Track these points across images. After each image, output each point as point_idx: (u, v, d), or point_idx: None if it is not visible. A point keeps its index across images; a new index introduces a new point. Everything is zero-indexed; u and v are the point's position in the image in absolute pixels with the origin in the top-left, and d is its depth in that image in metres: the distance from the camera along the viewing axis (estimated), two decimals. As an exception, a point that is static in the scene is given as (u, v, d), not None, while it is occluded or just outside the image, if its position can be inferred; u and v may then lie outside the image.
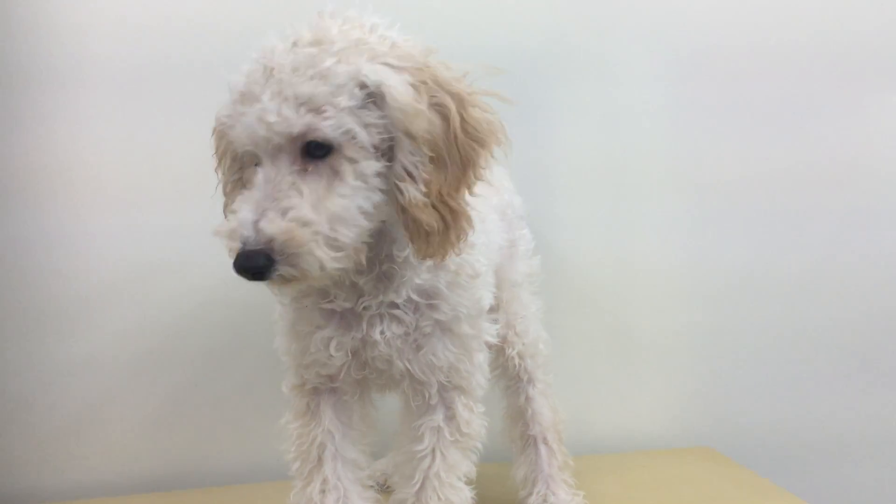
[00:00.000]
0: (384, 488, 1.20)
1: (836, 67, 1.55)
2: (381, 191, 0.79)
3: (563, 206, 1.49)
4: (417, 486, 0.92)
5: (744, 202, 1.55)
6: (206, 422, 1.41)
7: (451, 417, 0.94)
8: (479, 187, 0.85)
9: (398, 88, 0.77)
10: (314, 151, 0.77)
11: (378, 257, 0.86)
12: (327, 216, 0.76)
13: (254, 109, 0.76)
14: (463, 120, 0.80)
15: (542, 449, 1.19)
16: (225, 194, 0.89)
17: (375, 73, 0.77)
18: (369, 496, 0.95)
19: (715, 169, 1.54)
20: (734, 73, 1.52)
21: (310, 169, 0.77)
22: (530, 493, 1.18)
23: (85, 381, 1.37)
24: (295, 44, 0.78)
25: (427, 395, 0.92)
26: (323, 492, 0.91)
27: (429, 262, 0.86)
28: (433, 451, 0.93)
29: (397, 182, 0.78)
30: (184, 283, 1.37)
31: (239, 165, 0.85)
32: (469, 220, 0.82)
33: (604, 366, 1.54)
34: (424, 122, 0.77)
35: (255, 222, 0.74)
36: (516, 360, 1.17)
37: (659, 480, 1.37)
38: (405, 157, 0.78)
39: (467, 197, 0.83)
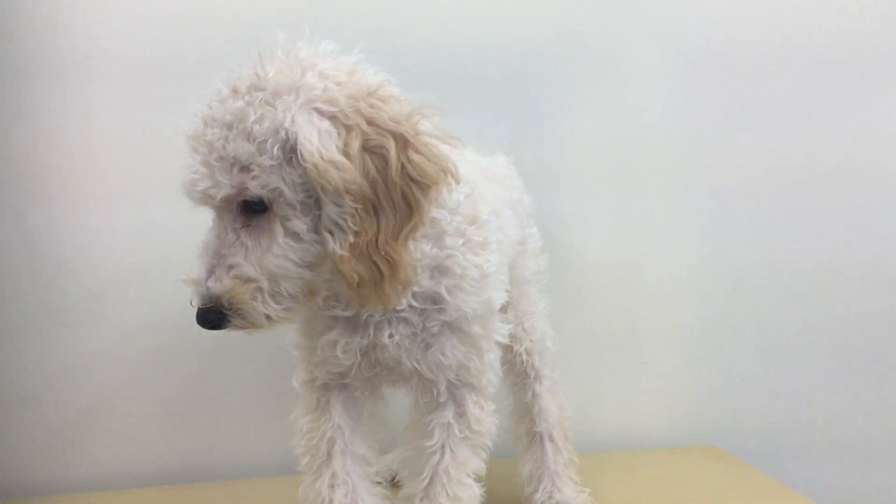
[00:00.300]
0: (392, 484, 1.20)
1: (845, 65, 1.55)
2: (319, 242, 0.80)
3: (572, 204, 1.49)
4: (426, 481, 0.93)
5: (752, 200, 1.55)
6: (213, 416, 1.41)
7: (461, 414, 0.94)
8: (491, 183, 0.85)
9: (310, 142, 0.75)
10: (253, 206, 0.79)
11: None
12: (266, 273, 0.79)
13: (189, 173, 0.79)
14: (405, 163, 0.77)
15: (549, 446, 1.19)
16: None
17: (293, 126, 0.76)
18: (378, 492, 0.96)
19: (723, 167, 1.53)
20: (743, 71, 1.52)
21: (251, 224, 0.80)
22: (536, 490, 1.19)
23: (95, 375, 1.37)
24: (235, 91, 0.79)
25: (435, 393, 0.93)
26: (332, 486, 0.92)
27: (431, 265, 0.87)
28: (442, 447, 0.93)
29: (324, 233, 0.79)
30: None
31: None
32: (413, 270, 0.81)
33: (610, 364, 1.54)
34: (338, 175, 0.75)
35: (205, 280, 0.80)
36: (524, 357, 1.18)
37: (664, 479, 1.37)
38: (329, 209, 0.77)
39: (483, 193, 0.85)
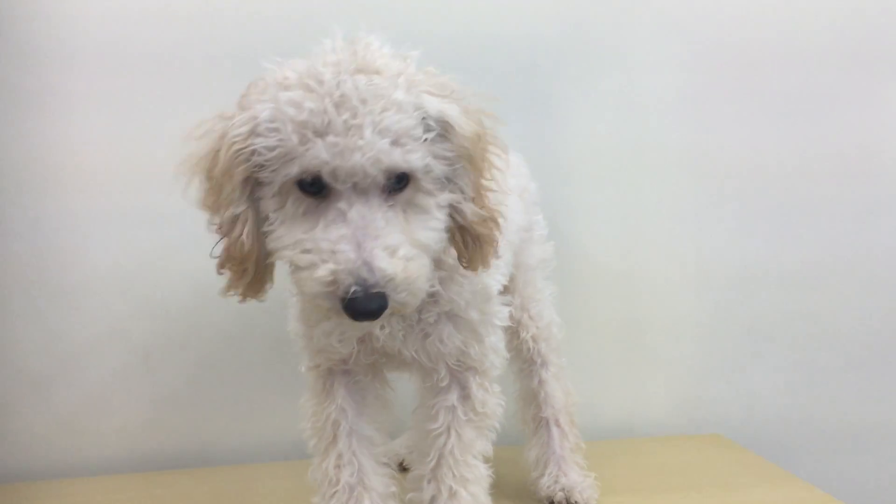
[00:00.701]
0: (401, 469, 1.21)
1: (851, 58, 1.55)
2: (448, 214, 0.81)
3: (578, 194, 1.50)
4: (433, 463, 0.94)
5: (758, 192, 1.55)
6: (219, 401, 1.43)
7: (465, 397, 0.94)
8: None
9: (460, 118, 0.78)
10: (394, 184, 0.76)
11: None
12: (423, 248, 0.77)
13: (360, 148, 0.72)
14: (486, 140, 0.82)
15: (555, 431, 1.20)
16: (218, 219, 0.82)
17: (434, 105, 0.77)
18: (384, 471, 0.96)
19: (729, 159, 1.54)
20: (750, 63, 1.53)
21: (390, 203, 0.76)
22: (542, 475, 1.19)
23: (103, 359, 1.39)
24: (359, 70, 0.75)
25: (437, 378, 0.93)
26: (338, 466, 0.93)
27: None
28: (448, 429, 0.94)
29: (456, 205, 0.80)
30: (196, 265, 1.35)
31: (248, 193, 0.79)
32: (499, 224, 0.85)
33: (615, 353, 1.55)
34: (484, 146, 0.80)
35: (369, 262, 0.72)
36: (530, 344, 1.18)
37: (669, 466, 1.38)
38: (465, 180, 0.80)
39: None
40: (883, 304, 1.61)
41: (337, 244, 0.73)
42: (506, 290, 1.05)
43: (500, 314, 0.97)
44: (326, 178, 0.74)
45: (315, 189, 0.76)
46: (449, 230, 0.82)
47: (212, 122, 0.80)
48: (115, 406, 1.40)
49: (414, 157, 0.75)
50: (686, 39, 1.50)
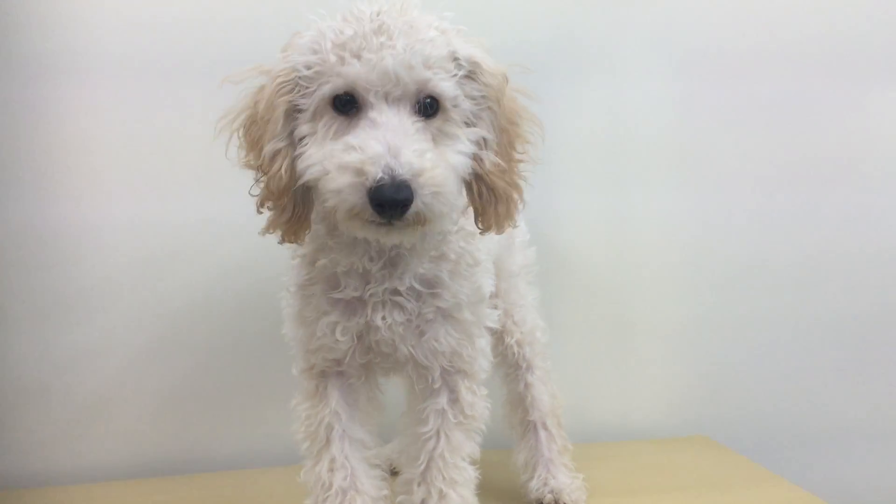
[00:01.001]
0: (391, 472, 1.23)
1: (835, 64, 1.59)
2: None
3: (566, 198, 1.53)
4: (423, 466, 0.96)
5: (743, 196, 1.58)
6: (215, 407, 1.44)
7: (454, 400, 0.97)
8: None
9: (487, 60, 0.84)
10: (425, 109, 0.81)
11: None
12: (451, 167, 0.80)
13: (392, 53, 0.77)
14: (510, 103, 0.87)
15: (542, 434, 1.22)
16: (256, 148, 0.85)
17: (466, 49, 0.83)
18: (376, 474, 0.98)
19: (714, 163, 1.57)
20: (737, 69, 1.56)
21: (421, 125, 0.80)
22: (531, 478, 1.21)
23: (101, 366, 1.40)
24: (398, 14, 0.81)
25: (430, 379, 0.96)
26: (331, 470, 0.94)
27: (433, 252, 0.91)
28: (437, 432, 0.96)
29: (477, 152, 0.84)
30: (193, 272, 1.41)
31: (289, 130, 0.83)
32: (522, 192, 0.89)
33: (602, 356, 1.57)
34: (509, 94, 0.85)
35: (396, 154, 0.74)
36: (515, 349, 1.21)
37: (656, 467, 1.40)
38: (486, 129, 0.85)
39: None
40: (866, 307, 1.64)
41: (365, 140, 0.76)
42: (491, 295, 1.07)
43: (491, 316, 1.01)
44: (360, 90, 0.78)
45: (347, 108, 0.80)
46: (467, 182, 0.85)
47: (250, 72, 0.86)
48: (113, 412, 1.41)
49: (444, 84, 0.80)
50: (672, 46, 1.54)
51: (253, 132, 0.85)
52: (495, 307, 1.07)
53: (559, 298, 1.52)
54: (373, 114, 0.78)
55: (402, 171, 0.74)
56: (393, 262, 0.90)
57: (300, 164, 0.81)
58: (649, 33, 1.53)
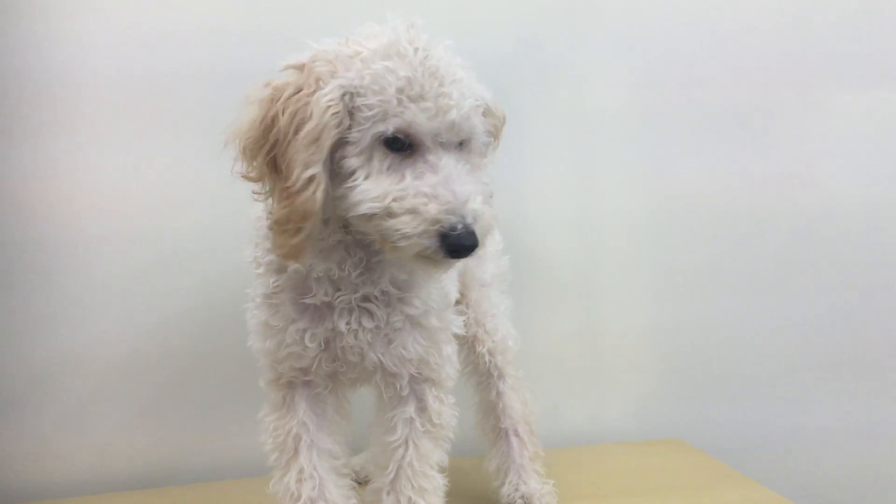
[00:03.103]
0: (361, 481, 1.23)
1: (797, 72, 1.61)
2: None
3: (534, 206, 1.54)
4: (392, 475, 0.97)
5: (709, 203, 1.60)
6: (192, 419, 1.44)
7: (422, 409, 0.98)
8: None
9: (494, 100, 0.92)
10: (459, 148, 0.86)
11: (372, 247, 0.90)
12: (489, 203, 0.86)
13: (456, 107, 0.83)
14: None
15: (514, 440, 1.23)
16: (266, 170, 0.85)
17: (482, 91, 0.90)
18: (345, 484, 0.99)
19: (680, 171, 1.59)
20: (701, 78, 1.58)
21: (466, 166, 0.86)
22: (503, 484, 1.22)
23: (74, 379, 1.39)
24: (425, 49, 0.85)
25: (398, 387, 0.97)
26: (300, 480, 0.95)
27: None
28: (406, 441, 0.97)
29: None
30: (170, 284, 1.41)
31: (329, 154, 0.84)
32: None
33: (574, 361, 1.58)
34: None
35: (465, 202, 0.81)
36: (486, 357, 1.21)
37: (629, 471, 1.41)
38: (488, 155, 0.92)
39: None
40: (840, 308, 1.66)
41: (436, 188, 0.81)
42: (456, 301, 1.09)
43: (456, 322, 1.02)
44: (419, 134, 0.83)
45: (400, 146, 0.83)
46: None
47: (260, 90, 0.86)
48: (87, 427, 1.40)
49: (480, 122, 0.87)
50: (636, 56, 1.55)
51: (260, 146, 0.84)
52: (461, 313, 1.09)
53: (531, 305, 1.53)
54: (431, 158, 0.83)
55: (471, 221, 0.80)
56: (371, 268, 0.92)
57: (353, 197, 0.83)
58: (613, 43, 1.54)
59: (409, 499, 0.96)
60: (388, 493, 0.97)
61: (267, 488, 0.99)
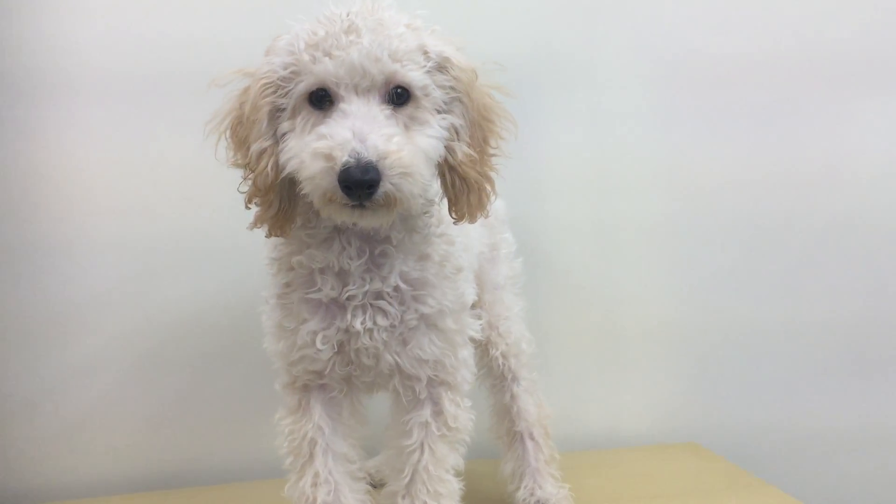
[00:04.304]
0: (376, 485, 1.23)
1: (819, 72, 1.59)
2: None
3: (552, 207, 1.53)
4: (407, 479, 0.96)
5: (729, 203, 1.59)
6: (204, 422, 1.44)
7: (438, 413, 0.97)
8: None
9: (459, 57, 0.89)
10: (395, 99, 0.84)
11: (376, 238, 0.91)
12: (422, 152, 0.83)
13: (358, 48, 0.81)
14: (480, 98, 0.91)
15: (529, 444, 1.22)
16: (243, 148, 0.88)
17: (436, 45, 0.88)
18: (360, 488, 0.98)
19: (698, 171, 1.57)
20: (719, 78, 1.56)
21: (390, 112, 0.84)
22: (518, 488, 1.22)
23: (87, 383, 1.40)
24: (369, 14, 0.85)
25: (417, 390, 0.96)
26: (315, 485, 0.95)
27: (419, 251, 0.93)
28: (421, 445, 0.96)
29: (449, 142, 0.87)
30: (181, 287, 1.42)
31: (273, 129, 0.87)
32: (494, 184, 0.92)
33: (591, 364, 1.57)
34: (476, 87, 0.89)
35: (362, 138, 0.78)
36: (500, 360, 1.21)
37: (645, 475, 1.40)
38: (457, 120, 0.88)
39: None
40: (858, 312, 1.64)
41: (334, 129, 0.80)
42: (473, 305, 1.08)
43: (473, 325, 1.01)
44: (331, 84, 0.82)
45: (322, 103, 0.84)
46: (439, 169, 0.88)
47: (231, 77, 0.90)
48: (104, 428, 1.41)
49: (413, 74, 0.84)
50: (654, 56, 1.54)
51: (239, 132, 0.88)
52: (479, 317, 1.08)
53: (547, 307, 1.52)
54: (343, 105, 0.82)
55: (368, 154, 0.78)
56: (377, 262, 0.91)
57: (282, 158, 0.85)
58: (630, 43, 1.53)
59: (425, 503, 0.95)
60: (404, 497, 0.96)
61: (282, 491, 0.99)
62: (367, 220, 0.84)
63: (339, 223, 0.89)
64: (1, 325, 1.37)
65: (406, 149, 0.81)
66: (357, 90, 0.83)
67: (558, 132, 1.52)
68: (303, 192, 0.83)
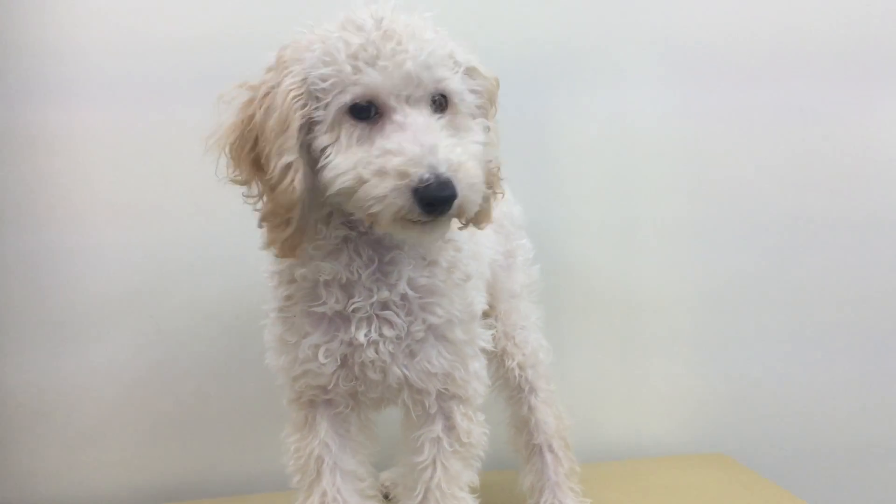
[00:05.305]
0: (390, 496, 1.21)
1: (844, 67, 1.54)
2: None
3: (571, 210, 1.50)
4: (419, 497, 0.93)
5: (752, 205, 1.55)
6: (216, 432, 1.43)
7: (450, 428, 0.94)
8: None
9: (481, 64, 0.89)
10: (438, 106, 0.83)
11: (386, 244, 0.88)
12: (476, 158, 0.81)
13: (406, 56, 0.79)
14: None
15: (548, 457, 1.19)
16: (252, 170, 0.85)
17: (462, 51, 0.87)
18: None
19: (721, 172, 1.53)
20: (741, 74, 1.52)
21: (442, 122, 0.82)
22: (537, 502, 1.18)
23: (99, 392, 1.39)
24: (397, 14, 0.84)
25: (427, 404, 0.93)
26: None
27: (427, 257, 0.90)
28: (434, 461, 0.93)
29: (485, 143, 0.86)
30: (193, 295, 1.40)
31: (300, 141, 0.83)
32: (501, 190, 0.94)
33: (613, 370, 1.54)
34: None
35: (434, 151, 0.76)
36: (517, 371, 1.17)
37: (669, 488, 1.36)
38: (484, 124, 0.87)
39: None
40: (886, 319, 1.59)
41: (401, 143, 0.77)
42: (484, 314, 1.05)
43: (483, 336, 0.98)
44: (381, 96, 0.80)
45: (367, 115, 0.81)
46: None
47: (235, 91, 0.86)
48: (113, 440, 1.40)
49: (453, 80, 0.83)
50: (676, 51, 1.50)
51: (243, 148, 0.84)
52: (490, 326, 1.05)
53: (567, 313, 1.49)
54: (398, 117, 0.80)
55: (444, 169, 0.75)
56: (385, 270, 0.88)
57: (327, 175, 0.80)
58: (651, 37, 1.50)
59: None
60: None
61: (291, 502, 0.97)
62: (434, 235, 0.84)
63: (348, 233, 0.87)
64: (8, 336, 1.36)
65: (471, 158, 0.80)
66: (409, 100, 0.80)
67: (577, 132, 1.49)
68: (365, 209, 0.79)
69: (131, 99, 1.36)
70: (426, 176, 0.74)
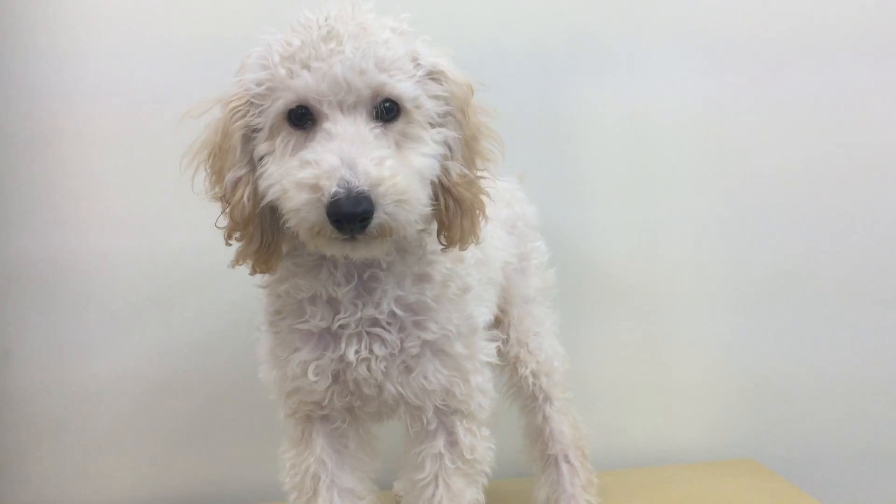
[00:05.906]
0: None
1: (872, 54, 1.46)
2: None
3: (591, 210, 1.46)
4: None
5: (783, 199, 1.48)
6: (231, 440, 1.42)
7: (453, 443, 0.90)
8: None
9: (454, 70, 0.81)
10: (384, 114, 0.77)
11: (364, 262, 0.84)
12: (416, 173, 0.76)
13: (341, 58, 0.74)
14: (474, 116, 0.83)
15: (564, 467, 1.16)
16: (221, 179, 0.82)
17: (429, 55, 0.80)
18: None
19: (746, 168, 1.47)
20: (765, 64, 1.46)
21: (380, 128, 0.76)
22: (553, 515, 1.15)
23: (115, 400, 1.39)
24: (350, 19, 0.78)
25: (425, 421, 0.89)
26: None
27: (415, 270, 0.85)
28: (436, 479, 0.90)
29: (444, 161, 0.80)
30: (206, 304, 1.39)
31: (248, 156, 0.80)
32: (485, 209, 0.84)
33: (639, 375, 1.49)
34: (472, 105, 0.82)
35: (352, 165, 0.71)
36: (530, 380, 1.14)
37: (697, 496, 1.33)
38: (452, 134, 0.80)
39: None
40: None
41: (320, 154, 0.73)
42: (495, 324, 1.00)
43: (486, 350, 0.93)
44: (312, 101, 0.75)
45: (303, 122, 0.76)
46: (433, 190, 0.80)
47: (210, 102, 0.83)
48: (128, 447, 1.40)
49: (402, 85, 0.76)
50: (697, 43, 1.44)
51: (216, 163, 0.82)
52: (497, 338, 1.00)
53: (588, 316, 1.45)
54: (328, 125, 0.75)
55: (359, 183, 0.70)
56: (367, 287, 0.84)
57: (262, 185, 0.77)
58: (673, 31, 1.43)
59: None
60: None
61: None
62: (361, 253, 0.77)
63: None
64: (22, 346, 1.36)
65: (401, 173, 0.73)
66: (342, 107, 0.75)
67: (596, 126, 1.43)
68: (284, 222, 0.76)
69: (144, 104, 1.35)
70: (336, 190, 0.69)
